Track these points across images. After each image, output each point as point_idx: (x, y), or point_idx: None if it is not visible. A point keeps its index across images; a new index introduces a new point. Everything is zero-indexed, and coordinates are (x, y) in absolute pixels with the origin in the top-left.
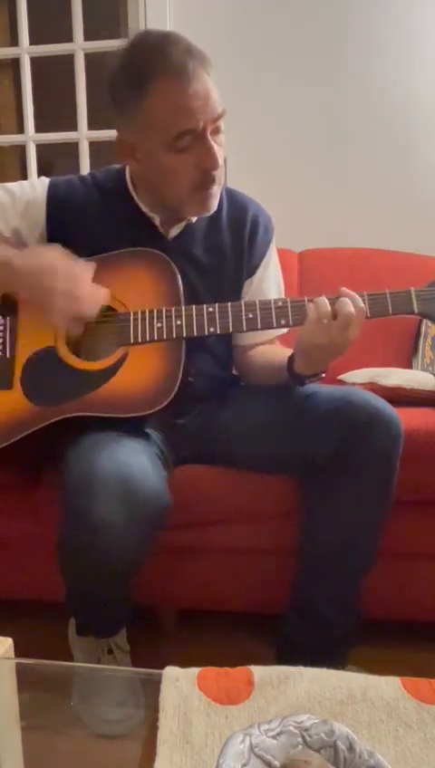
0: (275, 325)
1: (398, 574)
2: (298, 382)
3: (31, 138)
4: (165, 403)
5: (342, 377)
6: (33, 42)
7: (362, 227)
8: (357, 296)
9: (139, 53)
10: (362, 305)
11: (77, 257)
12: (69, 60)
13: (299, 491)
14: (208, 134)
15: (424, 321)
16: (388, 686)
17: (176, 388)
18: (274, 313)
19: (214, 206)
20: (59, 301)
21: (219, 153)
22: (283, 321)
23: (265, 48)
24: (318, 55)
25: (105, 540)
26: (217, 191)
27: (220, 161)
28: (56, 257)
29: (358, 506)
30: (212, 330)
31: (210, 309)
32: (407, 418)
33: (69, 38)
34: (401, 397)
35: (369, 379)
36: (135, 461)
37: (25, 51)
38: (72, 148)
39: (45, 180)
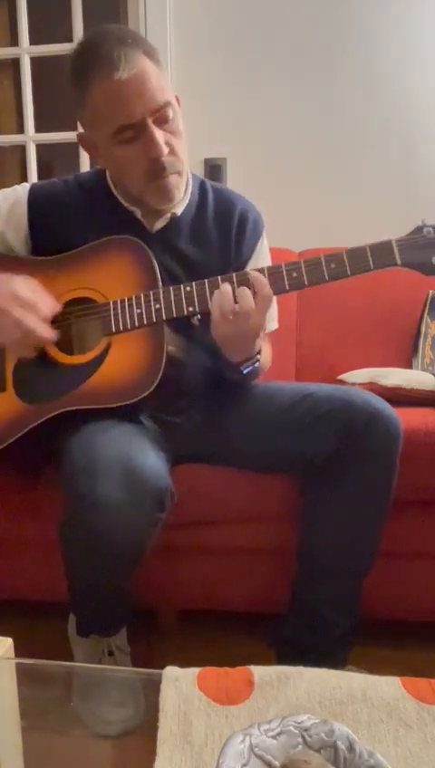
0: None
1: (398, 574)
2: (236, 371)
3: (31, 138)
4: (151, 388)
5: (342, 377)
6: (33, 42)
7: (362, 227)
8: (263, 280)
9: (77, 53)
10: (267, 291)
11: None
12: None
13: (299, 491)
14: (150, 124)
15: (424, 320)
16: (388, 686)
17: (160, 373)
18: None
19: (175, 195)
20: (7, 326)
21: (169, 141)
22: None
23: (266, 48)
24: (319, 55)
25: (108, 518)
26: (175, 180)
27: (165, 150)
28: (21, 286)
29: (357, 506)
30: (191, 309)
31: (187, 288)
32: (407, 418)
33: (69, 38)
34: (401, 397)
35: (369, 379)
36: (135, 443)
37: (25, 51)
38: (72, 148)
39: (26, 185)
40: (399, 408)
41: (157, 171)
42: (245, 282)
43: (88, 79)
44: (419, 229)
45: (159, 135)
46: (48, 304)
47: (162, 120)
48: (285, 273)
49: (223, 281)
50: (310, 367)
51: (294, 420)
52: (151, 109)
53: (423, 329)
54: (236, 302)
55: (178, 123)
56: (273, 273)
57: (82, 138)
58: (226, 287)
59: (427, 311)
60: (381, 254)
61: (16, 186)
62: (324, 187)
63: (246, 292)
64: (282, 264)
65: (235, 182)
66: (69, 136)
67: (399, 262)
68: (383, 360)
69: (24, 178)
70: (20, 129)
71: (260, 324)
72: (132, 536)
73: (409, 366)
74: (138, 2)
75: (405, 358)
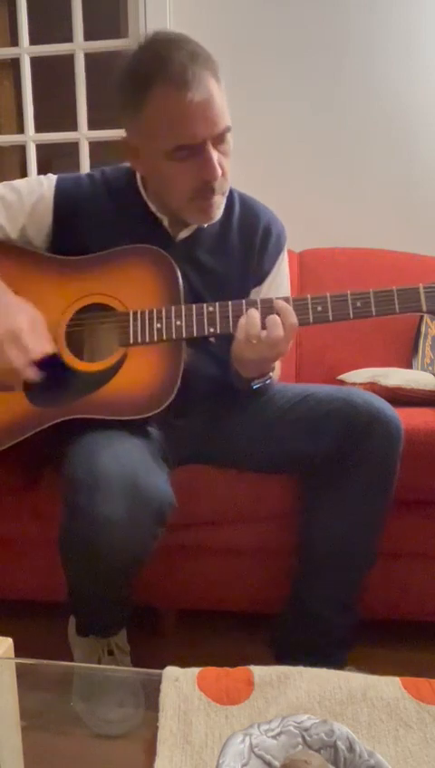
0: None
1: (398, 574)
2: (245, 386)
3: (31, 138)
4: (164, 405)
5: (342, 377)
6: (33, 42)
7: (362, 227)
8: (290, 310)
9: (142, 58)
10: (294, 320)
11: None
12: (69, 60)
13: (299, 491)
14: (210, 146)
15: (424, 320)
16: (388, 686)
17: (175, 391)
18: None
19: (216, 215)
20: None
21: (221, 163)
22: None
23: (266, 48)
24: (319, 55)
25: (108, 536)
26: (219, 201)
27: (220, 172)
28: (26, 321)
29: (357, 507)
30: (212, 330)
31: (210, 308)
32: (407, 418)
33: (69, 38)
34: (401, 397)
35: (369, 379)
36: (138, 458)
37: (25, 51)
38: (72, 148)
39: (53, 178)
40: (399, 407)
41: (205, 192)
42: (269, 309)
43: (153, 90)
44: None
45: (216, 157)
46: (42, 347)
47: (219, 142)
48: (310, 305)
49: (249, 306)
50: (310, 367)
51: (295, 421)
52: (213, 134)
53: (423, 329)
54: (263, 327)
55: (231, 145)
56: (298, 305)
57: (127, 143)
58: (253, 313)
59: None
60: (407, 298)
61: (41, 177)
62: (325, 187)
63: (276, 321)
64: (308, 295)
65: (234, 182)
66: (69, 136)
67: (424, 308)
68: (383, 360)
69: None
70: (20, 129)
71: (283, 352)
72: (132, 551)
73: (409, 366)
74: (138, 2)
75: (405, 358)
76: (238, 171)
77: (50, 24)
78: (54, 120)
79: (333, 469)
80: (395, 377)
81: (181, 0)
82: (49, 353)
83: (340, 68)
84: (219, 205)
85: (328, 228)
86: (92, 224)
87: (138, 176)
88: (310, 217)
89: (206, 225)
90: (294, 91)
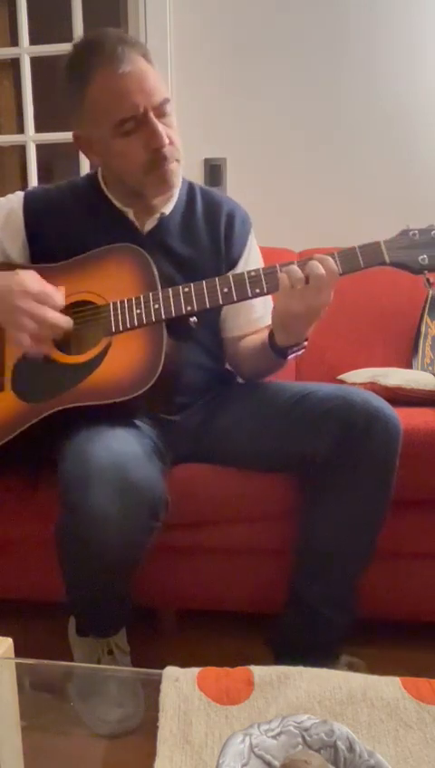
0: (250, 294)
1: (398, 574)
2: (281, 355)
3: (31, 138)
4: (150, 384)
5: (342, 377)
6: (33, 42)
7: (362, 227)
8: (329, 257)
9: (77, 51)
10: (334, 266)
11: (57, 263)
12: None
13: (299, 490)
14: (151, 116)
15: (424, 320)
16: (388, 686)
17: (159, 370)
18: (247, 284)
19: (175, 182)
20: (22, 320)
21: (167, 132)
22: (257, 290)
23: (266, 48)
24: (319, 55)
25: (102, 529)
26: (174, 168)
27: (167, 140)
28: (29, 280)
29: (356, 505)
30: (190, 308)
31: (186, 288)
32: (407, 418)
33: (69, 38)
34: (400, 397)
35: (369, 379)
36: (129, 450)
37: (25, 51)
38: (73, 148)
39: (20, 193)
40: (399, 407)
41: (158, 161)
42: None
43: (90, 73)
44: (405, 232)
45: (160, 127)
46: (58, 295)
47: (161, 114)
48: (280, 271)
49: (222, 283)
50: (310, 367)
51: (295, 420)
52: (152, 103)
53: (423, 329)
54: (306, 279)
55: (174, 119)
56: (268, 273)
57: (78, 136)
58: (294, 266)
59: (427, 311)
60: (370, 253)
61: (9, 195)
62: (324, 187)
63: (314, 263)
64: (277, 264)
65: (234, 182)
66: (69, 136)
67: (388, 260)
68: (383, 360)
69: (24, 179)
70: (20, 129)
71: (328, 300)
72: (126, 547)
73: (409, 366)
74: (138, 2)
75: (405, 358)
76: (238, 171)
77: (50, 24)
78: (54, 120)
79: (333, 468)
80: (395, 377)
81: (181, 0)
82: (62, 305)
83: (340, 67)
84: (175, 172)
85: (328, 228)
86: (63, 228)
87: (99, 176)
88: (310, 217)
89: (168, 213)
90: (294, 91)
